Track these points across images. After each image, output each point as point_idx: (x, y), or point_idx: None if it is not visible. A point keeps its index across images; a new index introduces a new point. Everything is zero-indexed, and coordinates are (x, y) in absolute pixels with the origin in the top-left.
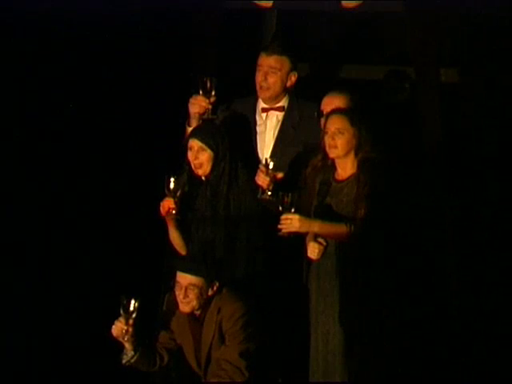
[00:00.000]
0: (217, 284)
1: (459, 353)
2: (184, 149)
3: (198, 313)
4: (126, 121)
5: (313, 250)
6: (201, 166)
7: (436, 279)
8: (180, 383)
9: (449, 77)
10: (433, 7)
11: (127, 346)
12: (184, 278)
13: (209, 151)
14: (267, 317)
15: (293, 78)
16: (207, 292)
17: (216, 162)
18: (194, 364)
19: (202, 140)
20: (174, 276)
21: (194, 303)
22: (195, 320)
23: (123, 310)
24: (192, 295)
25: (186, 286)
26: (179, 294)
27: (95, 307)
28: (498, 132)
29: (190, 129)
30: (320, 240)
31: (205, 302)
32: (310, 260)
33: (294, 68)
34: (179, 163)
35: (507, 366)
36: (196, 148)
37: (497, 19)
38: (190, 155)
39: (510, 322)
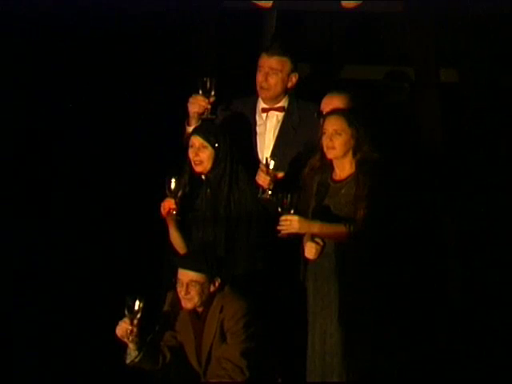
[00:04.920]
0: (218, 280)
1: (459, 353)
2: (183, 148)
3: (200, 310)
4: (126, 121)
5: (310, 250)
6: (201, 163)
7: (436, 279)
8: (179, 381)
9: (448, 77)
10: (432, 7)
11: (131, 345)
12: (185, 275)
13: (210, 149)
14: (266, 316)
15: (293, 78)
16: (209, 288)
17: (216, 160)
18: (194, 362)
19: (203, 137)
20: (175, 275)
21: (196, 300)
22: (197, 318)
23: (128, 311)
24: (193, 291)
25: (188, 283)
26: (181, 291)
27: (95, 307)
28: (498, 132)
29: (189, 128)
30: (317, 240)
31: (207, 299)
32: (307, 260)
33: (294, 69)
34: (179, 163)
35: (507, 367)
36: (197, 145)
37: (496, 19)
38: (191, 152)
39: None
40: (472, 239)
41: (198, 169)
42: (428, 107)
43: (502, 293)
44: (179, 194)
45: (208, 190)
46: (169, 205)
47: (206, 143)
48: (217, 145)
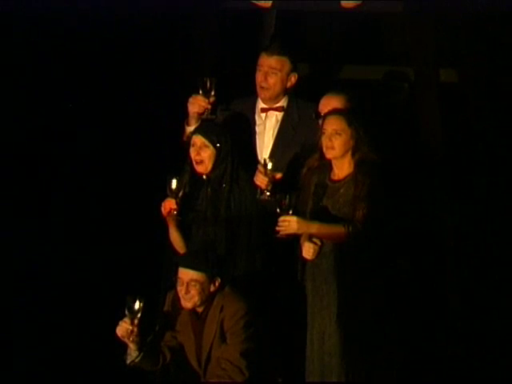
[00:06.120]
0: (218, 280)
1: (457, 353)
2: (183, 148)
3: (200, 310)
4: (126, 121)
5: (308, 250)
6: (202, 162)
7: (435, 279)
8: (179, 381)
9: (448, 77)
10: (432, 7)
11: (132, 346)
12: (186, 274)
13: (211, 148)
14: (266, 317)
15: (293, 78)
16: (209, 288)
17: (217, 160)
18: (194, 362)
19: (205, 136)
20: (174, 275)
21: (196, 299)
22: (197, 318)
23: (128, 311)
24: (194, 291)
25: (188, 282)
26: (181, 290)
27: (95, 307)
28: (497, 132)
29: (188, 128)
30: (315, 240)
31: (207, 299)
32: (305, 260)
33: (294, 69)
34: (179, 163)
35: (507, 367)
36: (199, 144)
37: (496, 19)
38: (192, 151)
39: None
40: (471, 239)
41: (199, 169)
42: (427, 107)
43: (501, 293)
44: (180, 194)
45: (209, 190)
46: (169, 205)
47: (207, 142)
48: (218, 144)
